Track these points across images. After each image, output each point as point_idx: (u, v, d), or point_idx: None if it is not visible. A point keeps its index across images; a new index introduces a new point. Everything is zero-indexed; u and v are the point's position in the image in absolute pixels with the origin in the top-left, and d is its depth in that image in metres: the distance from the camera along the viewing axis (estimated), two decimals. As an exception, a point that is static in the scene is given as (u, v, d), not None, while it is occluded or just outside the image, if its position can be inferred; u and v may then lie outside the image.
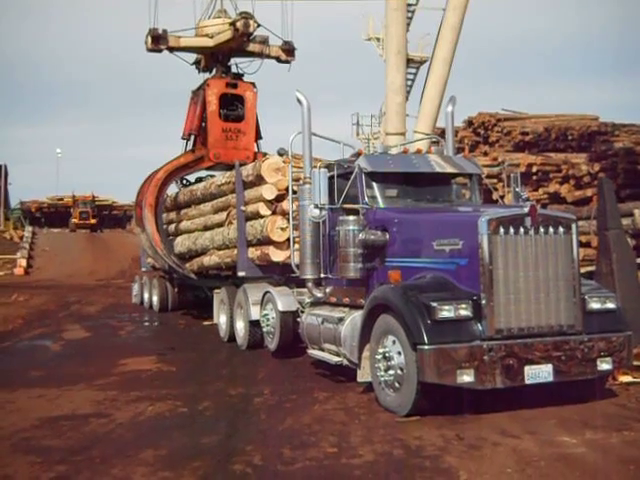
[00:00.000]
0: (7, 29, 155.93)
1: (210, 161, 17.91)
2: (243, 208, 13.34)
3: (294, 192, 10.68)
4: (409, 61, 20.04)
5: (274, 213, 12.62)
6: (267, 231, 12.35)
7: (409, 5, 19.84)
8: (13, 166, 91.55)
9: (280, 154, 12.32)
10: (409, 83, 21.69)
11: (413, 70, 22.75)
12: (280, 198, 12.55)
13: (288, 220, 11.23)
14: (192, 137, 18.41)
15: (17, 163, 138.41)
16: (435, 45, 18.15)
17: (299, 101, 10.05)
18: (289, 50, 19.18)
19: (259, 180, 12.88)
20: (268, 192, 12.64)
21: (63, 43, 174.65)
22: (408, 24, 18.98)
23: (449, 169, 9.86)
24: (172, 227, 18.02)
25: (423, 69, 21.16)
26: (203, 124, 18.30)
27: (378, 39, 29.24)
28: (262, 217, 12.77)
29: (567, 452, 6.31)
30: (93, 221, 59.15)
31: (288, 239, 11.46)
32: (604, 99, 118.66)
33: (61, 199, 64.32)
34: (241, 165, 14.01)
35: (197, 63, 19.51)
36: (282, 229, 12.17)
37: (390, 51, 18.19)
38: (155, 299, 19.60)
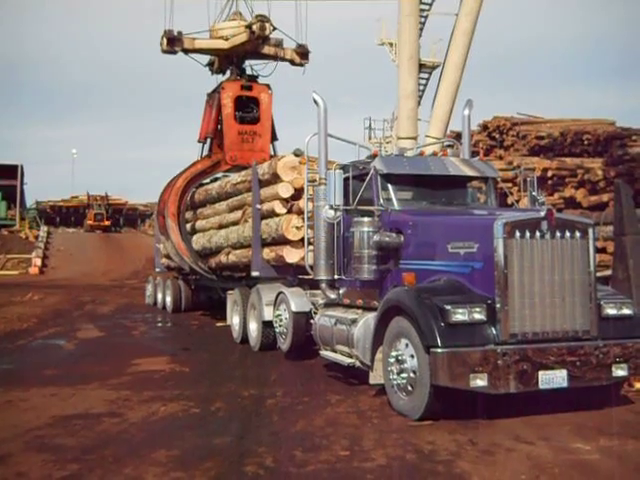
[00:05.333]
0: (27, 31, 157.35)
1: (227, 165, 17.98)
2: (259, 206, 13.30)
3: (309, 194, 10.67)
4: (421, 66, 19.97)
5: (290, 212, 12.59)
6: (282, 230, 12.32)
7: (422, 11, 19.80)
8: (29, 166, 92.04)
9: (296, 155, 12.33)
10: (421, 88, 21.61)
11: (425, 75, 22.66)
12: (296, 196, 12.50)
13: (303, 220, 11.21)
14: (208, 140, 18.46)
15: (33, 163, 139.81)
16: (447, 50, 18.11)
17: (316, 102, 10.02)
18: (303, 53, 19.24)
19: (275, 178, 12.87)
20: (284, 190, 12.61)
21: (79, 45, 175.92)
22: (421, 29, 18.99)
23: (465, 172, 9.80)
24: (188, 226, 18.07)
25: (435, 74, 21.07)
26: (219, 127, 18.36)
27: (391, 44, 29.13)
28: (277, 215, 12.74)
29: (581, 459, 6.25)
30: (107, 223, 60.14)
31: (303, 238, 11.44)
32: (622, 104, 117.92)
33: (76, 196, 65.42)
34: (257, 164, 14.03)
35: (210, 65, 19.61)
36: (297, 228, 12.13)
37: (403, 56, 18.18)
38: (168, 300, 19.68)
